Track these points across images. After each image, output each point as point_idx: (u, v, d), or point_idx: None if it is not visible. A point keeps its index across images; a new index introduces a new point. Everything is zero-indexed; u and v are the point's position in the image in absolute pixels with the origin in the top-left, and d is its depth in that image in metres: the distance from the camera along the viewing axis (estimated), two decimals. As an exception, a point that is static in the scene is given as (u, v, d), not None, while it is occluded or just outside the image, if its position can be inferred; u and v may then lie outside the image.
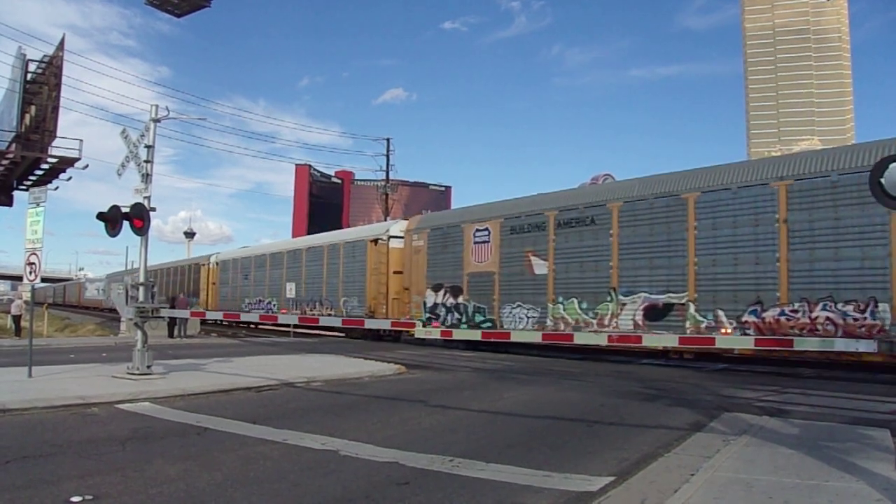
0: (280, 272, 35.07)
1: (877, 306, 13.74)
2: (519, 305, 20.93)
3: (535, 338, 15.26)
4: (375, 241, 27.49)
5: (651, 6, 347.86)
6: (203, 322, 31.38)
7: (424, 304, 24.51)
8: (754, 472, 5.88)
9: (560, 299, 19.67)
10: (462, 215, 24.56)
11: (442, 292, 23.88)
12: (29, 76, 34.47)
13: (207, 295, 43.39)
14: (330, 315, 28.96)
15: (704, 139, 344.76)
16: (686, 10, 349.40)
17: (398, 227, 27.47)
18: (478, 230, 22.72)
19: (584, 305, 18.99)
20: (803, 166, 15.25)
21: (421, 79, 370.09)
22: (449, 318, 23.48)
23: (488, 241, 22.20)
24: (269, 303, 35.56)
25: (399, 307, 26.21)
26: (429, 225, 25.60)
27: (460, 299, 23.09)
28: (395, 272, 26.52)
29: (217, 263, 43.32)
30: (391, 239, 26.86)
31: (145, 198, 12.70)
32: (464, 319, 22.91)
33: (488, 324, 21.74)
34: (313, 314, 29.96)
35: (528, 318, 20.65)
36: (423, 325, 20.67)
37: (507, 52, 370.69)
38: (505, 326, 20.88)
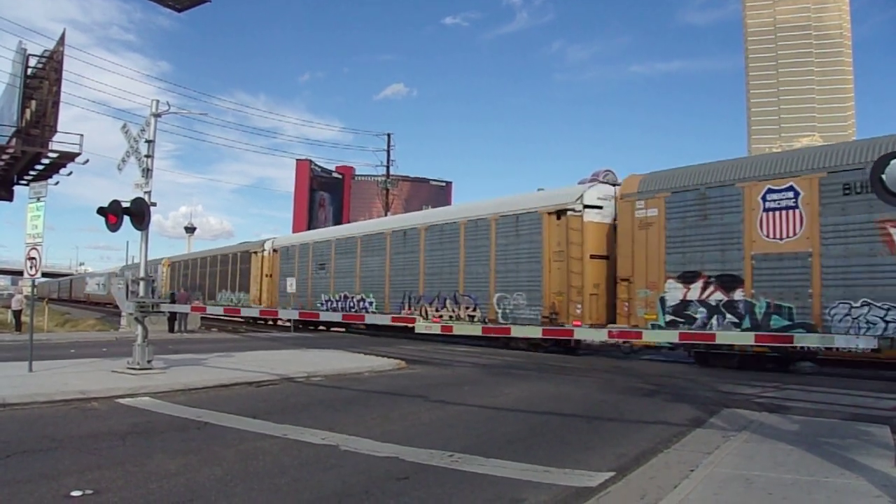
0: (380, 259, 27.17)
1: None
2: (867, 304, 13.60)
3: (536, 333, 15.22)
4: (559, 212, 19.90)
5: (652, 2, 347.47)
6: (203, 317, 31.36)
7: (662, 301, 17.01)
8: (754, 468, 5.89)
9: None
10: (734, 169, 16.53)
11: (699, 284, 16.44)
12: (29, 71, 34.42)
13: (260, 290, 35.36)
14: (475, 318, 22.11)
15: (705, 135, 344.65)
16: (687, 6, 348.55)
17: (596, 192, 19.65)
18: (772, 190, 15.34)
19: None
20: None
21: (422, 74, 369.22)
22: (715, 321, 16.09)
23: (794, 207, 14.99)
24: (363, 300, 27.83)
25: (600, 305, 19.11)
26: (668, 186, 17.46)
27: (737, 294, 15.71)
28: (593, 256, 19.22)
29: (275, 250, 35.13)
30: (586, 210, 19.34)
31: (146, 193, 12.69)
32: (746, 324, 15.49)
33: (800, 331, 14.34)
34: (437, 315, 23.07)
35: (886, 322, 13.30)
36: (650, 326, 17.31)
37: (508, 47, 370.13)
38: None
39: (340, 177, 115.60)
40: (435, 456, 6.50)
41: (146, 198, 12.63)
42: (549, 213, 20.25)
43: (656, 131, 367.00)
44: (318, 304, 30.44)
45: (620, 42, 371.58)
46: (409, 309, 24.86)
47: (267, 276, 35.12)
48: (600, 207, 19.53)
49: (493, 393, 11.49)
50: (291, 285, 29.60)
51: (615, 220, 19.07)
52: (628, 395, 11.35)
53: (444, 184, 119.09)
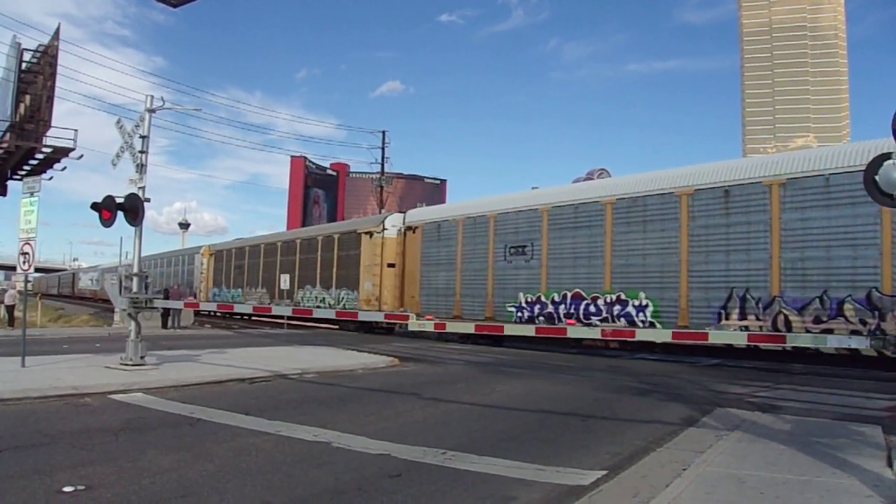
0: (663, 236, 17.32)
1: None
2: None
3: (528, 331, 15.24)
4: None
5: (648, 0, 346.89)
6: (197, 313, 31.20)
7: None
8: (746, 468, 5.91)
9: None
10: None
11: None
12: (24, 65, 34.20)
13: (380, 287, 25.91)
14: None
15: (701, 135, 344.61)
16: (684, 5, 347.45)
17: None
18: None
19: None
20: None
21: (418, 72, 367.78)
22: None
23: None
24: (621, 303, 17.96)
25: None
26: None
27: None
28: None
29: (411, 229, 25.65)
30: None
31: (140, 188, 12.65)
32: None
33: None
34: (824, 331, 13.93)
35: None
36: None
37: (504, 45, 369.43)
38: None
39: (335, 174, 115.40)
40: (428, 453, 6.51)
41: (140, 193, 12.59)
42: None
43: (652, 130, 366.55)
44: (511, 309, 20.80)
45: (616, 40, 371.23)
46: (746, 317, 15.81)
47: (389, 265, 26.02)
48: None
49: (486, 391, 11.51)
50: (450, 280, 21.85)
51: None
52: (622, 393, 11.38)
53: (438, 181, 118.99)
